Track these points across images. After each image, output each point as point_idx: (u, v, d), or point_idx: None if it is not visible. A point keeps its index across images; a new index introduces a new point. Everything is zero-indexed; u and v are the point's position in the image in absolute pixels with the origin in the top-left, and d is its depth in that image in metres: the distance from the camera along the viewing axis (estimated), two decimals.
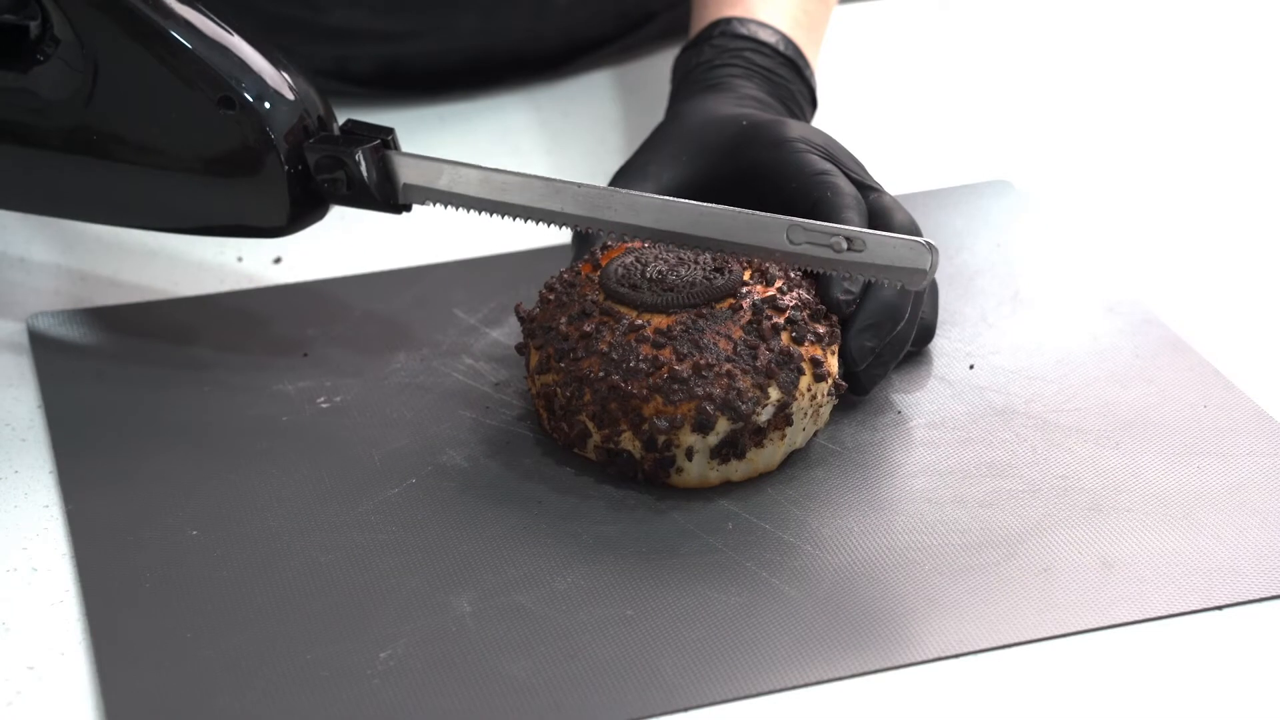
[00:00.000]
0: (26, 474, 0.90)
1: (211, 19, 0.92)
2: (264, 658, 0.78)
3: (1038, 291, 1.03)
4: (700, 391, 0.85)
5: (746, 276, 0.89)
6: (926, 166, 1.17)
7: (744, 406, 0.85)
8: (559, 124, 1.22)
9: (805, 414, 0.87)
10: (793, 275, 0.90)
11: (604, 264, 0.91)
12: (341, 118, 0.95)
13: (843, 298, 0.90)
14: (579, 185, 0.90)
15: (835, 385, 0.89)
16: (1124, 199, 1.14)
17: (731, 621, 0.80)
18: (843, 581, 0.83)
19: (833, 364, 0.89)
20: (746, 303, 0.88)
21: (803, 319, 0.88)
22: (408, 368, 0.97)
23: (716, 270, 0.89)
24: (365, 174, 0.92)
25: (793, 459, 0.89)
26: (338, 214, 0.96)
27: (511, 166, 1.16)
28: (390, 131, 0.93)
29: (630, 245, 0.92)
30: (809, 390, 0.87)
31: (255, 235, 0.95)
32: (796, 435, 0.88)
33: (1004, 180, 1.14)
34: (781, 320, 0.87)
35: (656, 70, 1.24)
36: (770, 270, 0.90)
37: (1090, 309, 1.01)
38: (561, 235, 1.07)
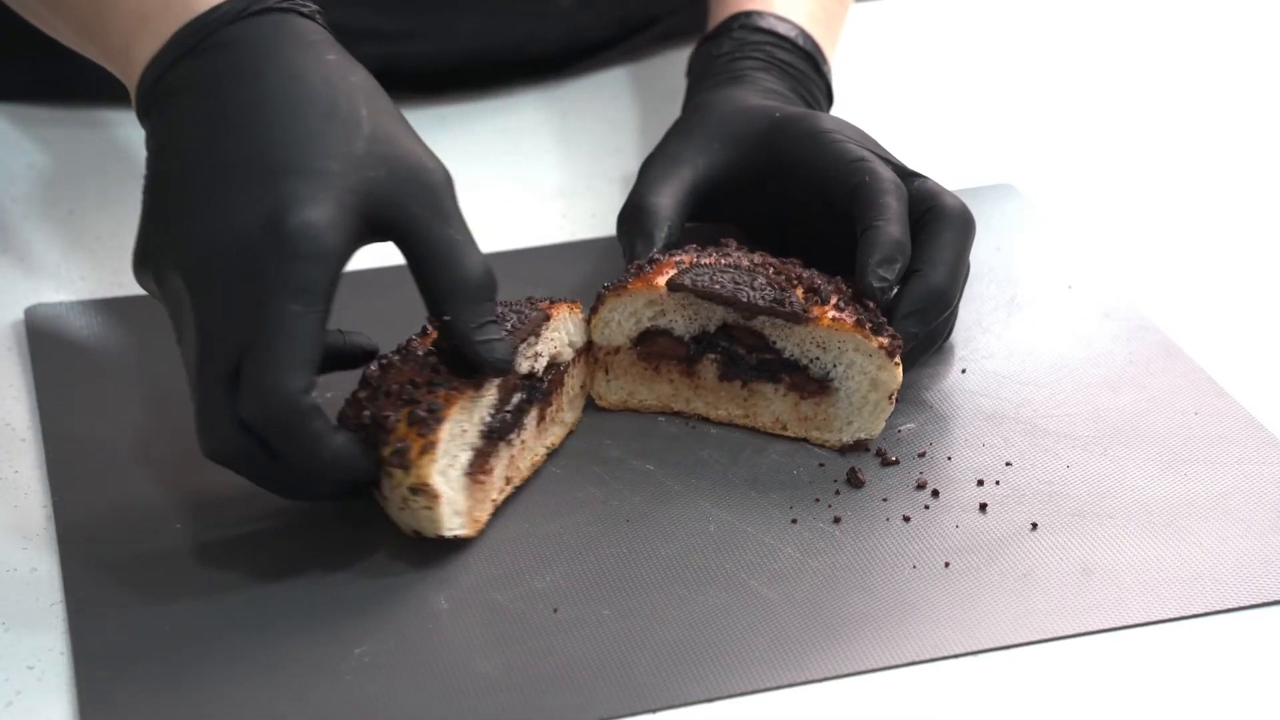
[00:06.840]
0: (26, 474, 0.90)
1: None
2: (239, 651, 0.79)
3: (1035, 296, 1.02)
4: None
5: (799, 295, 0.90)
6: (931, 169, 1.16)
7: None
8: (560, 125, 1.21)
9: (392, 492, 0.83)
10: (844, 289, 0.90)
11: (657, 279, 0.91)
12: None
13: (876, 285, 0.90)
14: None
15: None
16: (1127, 205, 1.14)
17: (707, 623, 0.80)
18: (822, 584, 0.83)
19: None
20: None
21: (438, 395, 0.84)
22: None
23: (774, 287, 0.89)
24: None
25: (776, 463, 0.89)
26: None
27: (513, 167, 1.17)
28: None
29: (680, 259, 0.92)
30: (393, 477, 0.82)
31: None
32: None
33: (1008, 184, 1.14)
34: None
35: (660, 73, 1.24)
36: (823, 287, 0.90)
37: (1087, 314, 1.01)
38: (561, 234, 1.07)
